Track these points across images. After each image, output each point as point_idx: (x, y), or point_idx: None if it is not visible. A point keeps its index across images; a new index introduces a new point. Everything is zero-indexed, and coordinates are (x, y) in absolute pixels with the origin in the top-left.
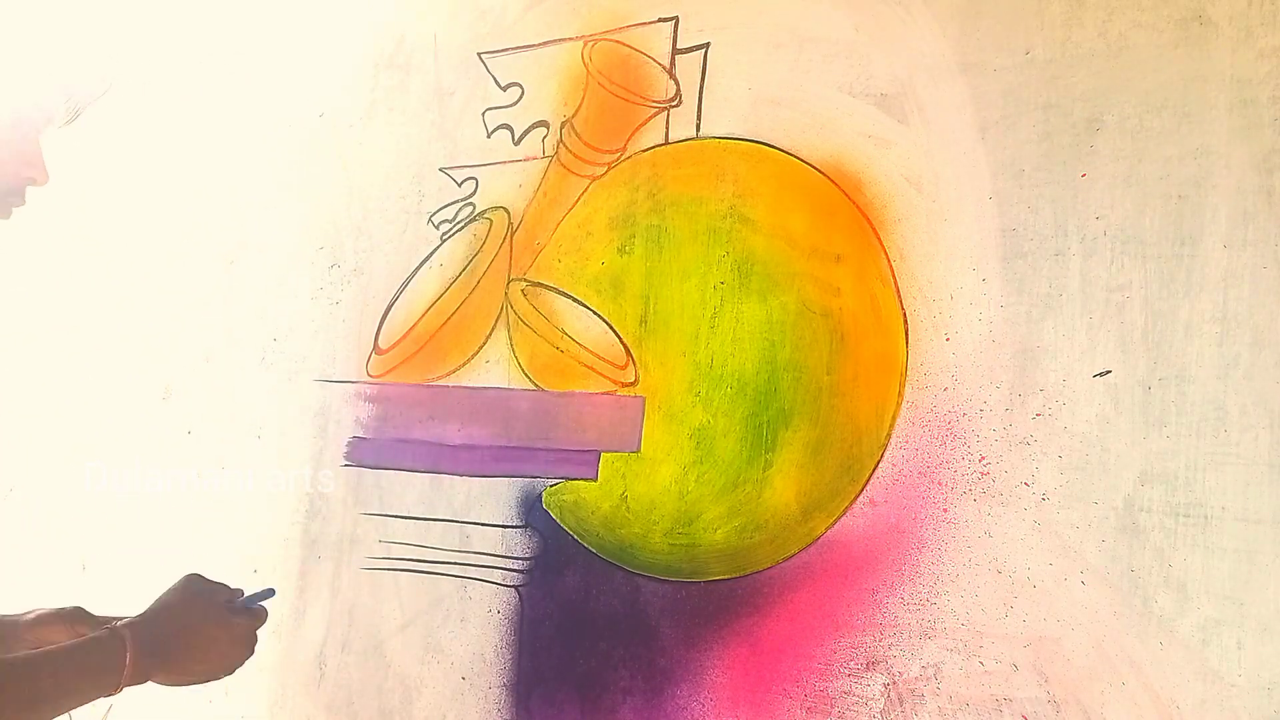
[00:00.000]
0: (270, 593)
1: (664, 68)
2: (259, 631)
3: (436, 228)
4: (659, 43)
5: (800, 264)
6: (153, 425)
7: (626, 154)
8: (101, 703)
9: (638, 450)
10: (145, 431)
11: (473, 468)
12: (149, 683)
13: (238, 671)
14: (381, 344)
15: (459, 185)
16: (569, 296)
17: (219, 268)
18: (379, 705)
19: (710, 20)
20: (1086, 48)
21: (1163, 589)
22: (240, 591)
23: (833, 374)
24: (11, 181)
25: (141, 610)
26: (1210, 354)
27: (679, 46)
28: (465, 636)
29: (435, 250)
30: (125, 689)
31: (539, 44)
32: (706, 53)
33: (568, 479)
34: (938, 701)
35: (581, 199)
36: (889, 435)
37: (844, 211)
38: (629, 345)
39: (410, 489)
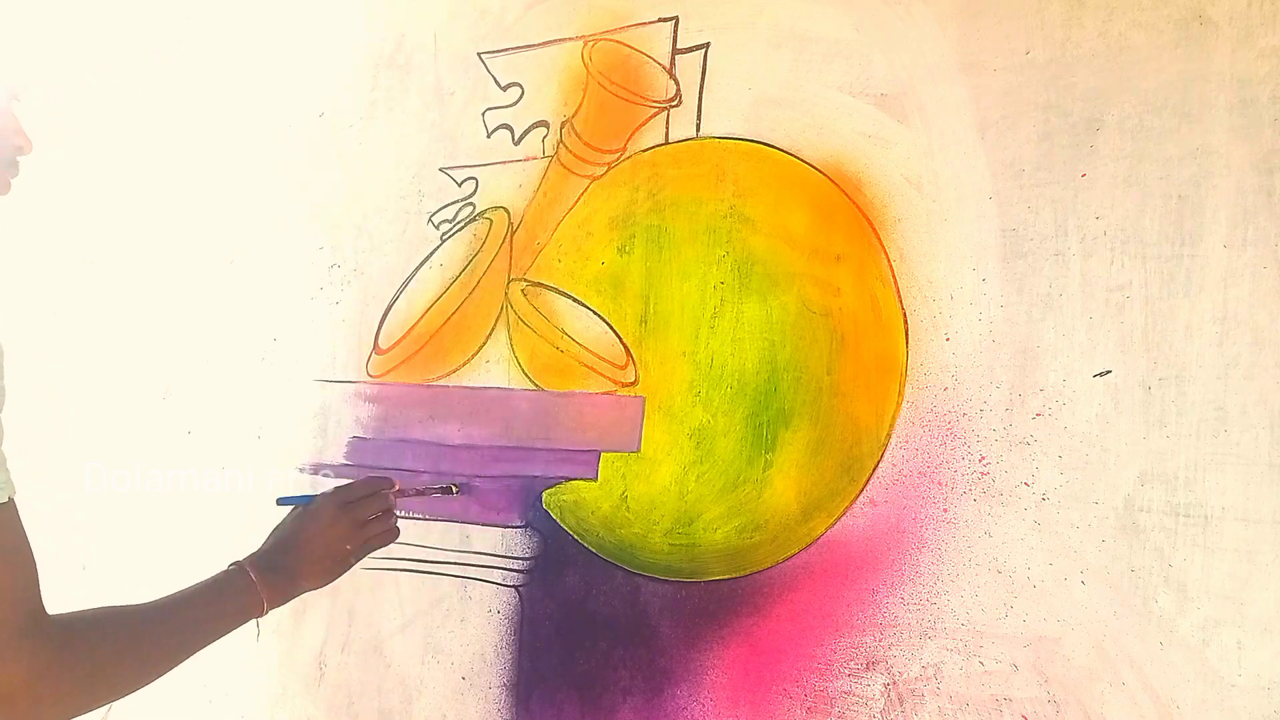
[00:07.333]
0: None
1: (664, 68)
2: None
3: (436, 228)
4: (659, 43)
5: (800, 264)
6: (153, 425)
7: (626, 154)
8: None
9: (638, 450)
10: (145, 431)
11: (473, 468)
12: (302, 592)
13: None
14: (381, 344)
15: (459, 185)
16: (569, 296)
17: (219, 268)
18: (379, 705)
19: (710, 20)
20: (1086, 48)
21: (1163, 589)
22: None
23: (833, 374)
24: (3, 152)
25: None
26: (1210, 354)
27: (679, 46)
28: (465, 636)
29: (435, 250)
30: (271, 610)
31: (539, 44)
32: (706, 53)
33: (568, 479)
34: (938, 701)
35: (581, 199)
36: (889, 435)
37: (844, 211)
38: (629, 345)
39: None
